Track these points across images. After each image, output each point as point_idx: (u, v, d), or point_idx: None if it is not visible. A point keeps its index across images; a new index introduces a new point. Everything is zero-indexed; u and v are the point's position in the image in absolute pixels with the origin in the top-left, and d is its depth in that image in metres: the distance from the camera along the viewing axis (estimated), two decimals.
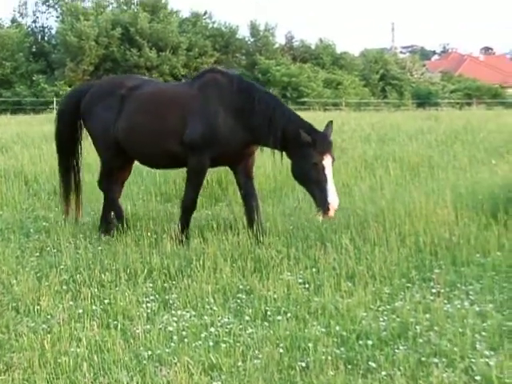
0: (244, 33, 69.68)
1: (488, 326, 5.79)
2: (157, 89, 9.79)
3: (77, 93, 10.50)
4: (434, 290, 6.69)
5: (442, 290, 6.68)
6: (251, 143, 9.05)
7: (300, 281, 7.13)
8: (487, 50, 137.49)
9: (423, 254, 7.79)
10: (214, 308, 6.50)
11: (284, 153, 8.83)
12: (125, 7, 63.02)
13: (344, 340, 5.72)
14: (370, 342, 5.58)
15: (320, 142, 8.44)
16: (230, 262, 7.70)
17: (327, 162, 8.44)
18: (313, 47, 70.18)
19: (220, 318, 6.26)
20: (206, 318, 6.24)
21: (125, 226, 9.27)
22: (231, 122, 8.85)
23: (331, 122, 8.80)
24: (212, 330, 5.96)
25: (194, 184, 9.18)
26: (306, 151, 8.43)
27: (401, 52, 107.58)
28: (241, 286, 7.12)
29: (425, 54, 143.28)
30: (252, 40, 68.30)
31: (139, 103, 9.43)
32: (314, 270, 7.44)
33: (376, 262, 7.49)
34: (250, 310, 6.45)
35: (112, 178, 9.84)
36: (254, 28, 68.28)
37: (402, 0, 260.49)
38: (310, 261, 7.75)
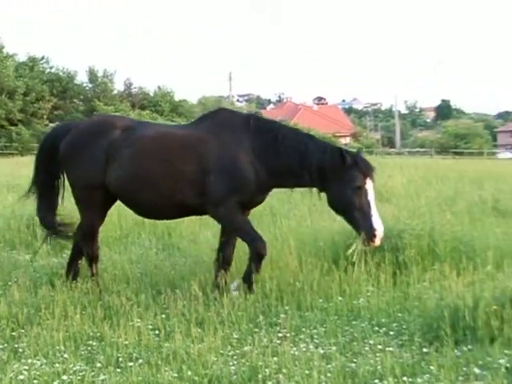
0: (82, 78, 69.22)
1: (332, 367, 6.01)
2: (160, 132, 8.79)
3: (53, 134, 9.30)
4: (280, 335, 6.88)
5: (288, 334, 6.89)
6: (277, 187, 8.65)
7: (150, 327, 7.18)
8: (320, 99, 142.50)
9: (269, 299, 7.99)
10: (66, 355, 6.46)
11: (319, 189, 8.42)
12: None
13: None
14: None
15: (363, 163, 8.15)
16: (79, 309, 7.65)
17: (370, 185, 8.16)
18: (151, 94, 70.60)
19: (72, 365, 6.23)
20: (57, 365, 6.21)
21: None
22: (254, 166, 8.23)
23: (362, 148, 8.42)
24: (64, 377, 5.94)
25: (241, 228, 8.36)
26: (347, 175, 8.07)
27: (238, 100, 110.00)
28: (91, 333, 7.12)
29: (261, 103, 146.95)
30: (90, 86, 68.01)
31: (140, 148, 8.47)
32: (163, 316, 7.51)
33: (224, 307, 7.65)
34: (102, 357, 6.47)
35: (94, 238, 8.85)
36: (92, 74, 68.09)
37: (240, 50, 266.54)
38: (159, 307, 7.83)
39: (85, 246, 8.77)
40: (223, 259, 8.56)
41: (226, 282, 8.29)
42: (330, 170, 8.15)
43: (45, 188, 9.10)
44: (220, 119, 8.57)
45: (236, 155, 8.22)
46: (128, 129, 8.61)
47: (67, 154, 8.72)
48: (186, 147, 8.37)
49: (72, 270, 8.83)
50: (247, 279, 8.22)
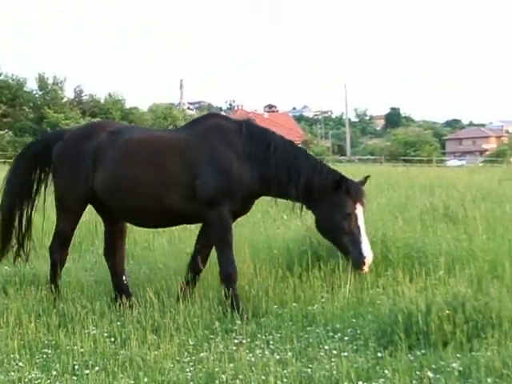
0: (32, 85, 68.45)
1: (288, 372, 6.06)
2: (148, 135, 8.71)
3: (47, 138, 9.31)
4: (236, 341, 6.93)
5: (244, 341, 6.94)
6: (267, 195, 8.46)
7: (106, 334, 7.17)
8: (271, 107, 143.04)
9: (225, 306, 7.99)
10: (21, 364, 6.44)
11: (305, 206, 8.28)
12: None
13: None
14: None
15: (354, 189, 7.95)
16: (34, 317, 7.62)
17: (360, 211, 8.00)
18: (102, 101, 70.16)
19: (27, 373, 6.20)
20: (12, 374, 6.19)
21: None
22: (245, 169, 8.09)
23: (369, 176, 8.35)
24: None
25: (224, 245, 8.17)
26: (336, 200, 7.91)
27: (189, 108, 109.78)
28: (46, 341, 7.11)
29: (212, 111, 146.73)
30: (40, 93, 67.27)
31: (126, 151, 8.29)
32: (119, 323, 7.51)
33: (180, 314, 7.66)
34: (58, 365, 6.46)
35: (68, 244, 8.74)
36: (42, 81, 67.39)
37: (190, 57, 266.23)
38: (115, 315, 7.83)
39: (55, 251, 8.63)
40: (195, 270, 8.51)
41: (183, 290, 8.30)
42: (319, 191, 8.03)
43: (22, 190, 8.93)
44: (211, 123, 8.42)
45: (227, 159, 8.08)
46: (115, 132, 8.48)
47: (59, 159, 8.61)
48: (174, 151, 8.23)
49: (56, 279, 8.65)
50: (234, 305, 7.98)
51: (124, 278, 8.61)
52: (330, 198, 7.97)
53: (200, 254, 8.51)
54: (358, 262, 7.92)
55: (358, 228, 7.95)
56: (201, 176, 8.03)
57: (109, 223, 8.85)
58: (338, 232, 7.99)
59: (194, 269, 8.50)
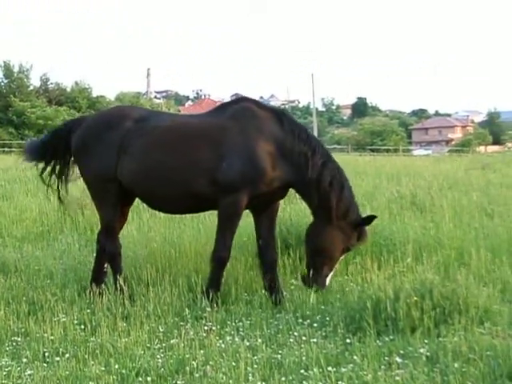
0: None
1: (259, 359, 6.13)
2: (175, 121, 8.47)
3: (67, 125, 8.93)
4: (206, 328, 6.96)
5: (214, 328, 6.99)
6: (291, 185, 8.16)
7: (76, 322, 7.19)
8: (238, 96, 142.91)
9: (195, 293, 8.04)
10: None
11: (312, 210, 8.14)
12: None
13: (124, 377, 5.88)
14: (149, 379, 5.78)
15: (365, 234, 8.12)
16: (3, 304, 7.62)
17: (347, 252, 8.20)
18: (69, 90, 69.57)
19: None
20: None
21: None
22: (272, 157, 7.89)
23: (375, 217, 8.20)
24: None
25: (228, 229, 8.00)
26: (348, 230, 7.96)
27: (155, 97, 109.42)
28: (16, 329, 7.10)
29: (179, 100, 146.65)
30: (6, 81, 66.54)
31: (154, 139, 8.14)
32: (89, 311, 7.52)
33: (150, 302, 7.69)
34: (28, 352, 6.44)
35: (114, 234, 8.44)
36: (7, 69, 66.64)
37: (157, 46, 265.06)
38: (84, 302, 7.83)
39: (106, 243, 8.41)
40: (268, 262, 8.26)
41: (276, 284, 8.16)
42: (343, 212, 7.96)
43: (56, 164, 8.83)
44: (243, 107, 8.19)
45: (256, 145, 7.87)
46: (141, 119, 8.30)
47: (79, 149, 8.45)
48: (202, 135, 8.06)
49: (97, 273, 8.49)
50: (212, 286, 7.96)
51: (105, 265, 8.51)
52: (346, 224, 7.96)
53: (269, 246, 8.29)
54: (315, 284, 7.90)
55: (337, 264, 8.08)
56: (227, 159, 7.86)
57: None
58: (327, 255, 7.96)
59: (269, 261, 8.25)
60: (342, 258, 8.16)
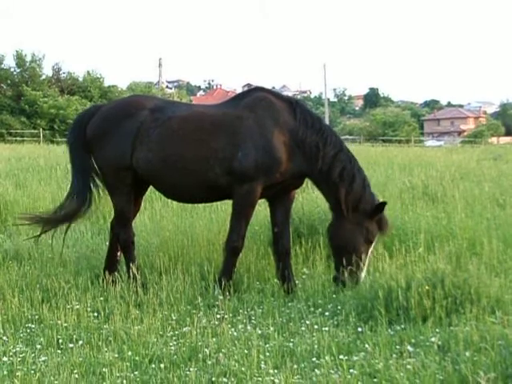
0: (9, 62, 67.72)
1: (271, 346, 6.17)
2: (191, 111, 8.44)
3: (82, 116, 8.91)
4: (218, 316, 7.00)
5: (226, 316, 7.03)
6: (306, 176, 8.18)
7: (89, 309, 7.25)
8: (250, 87, 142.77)
9: (207, 281, 8.08)
10: (5, 338, 6.50)
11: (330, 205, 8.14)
12: None
13: (137, 364, 5.94)
14: (162, 366, 5.83)
15: (385, 221, 8.09)
16: (17, 292, 7.68)
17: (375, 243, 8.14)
18: (81, 79, 69.59)
19: (12, 347, 6.26)
20: None
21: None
22: (287, 147, 7.92)
23: (385, 203, 8.19)
24: (5, 359, 5.98)
25: (242, 219, 8.01)
26: (367, 222, 7.95)
27: (167, 87, 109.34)
28: (30, 316, 7.17)
29: (190, 90, 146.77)
30: (18, 70, 66.62)
31: (170, 128, 8.12)
32: (102, 298, 7.58)
33: (163, 290, 7.74)
34: (42, 339, 6.52)
35: (127, 223, 8.46)
36: (20, 58, 66.68)
37: (169, 36, 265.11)
38: (98, 290, 7.89)
39: (120, 231, 8.43)
40: (281, 251, 8.25)
41: (288, 272, 8.16)
42: (358, 203, 7.95)
43: (79, 167, 8.73)
44: (260, 97, 8.20)
45: (272, 135, 7.91)
46: (157, 109, 8.30)
47: (94, 137, 8.44)
48: (219, 125, 8.07)
49: (111, 261, 8.56)
50: (225, 275, 8.00)
51: (118, 253, 8.57)
52: (362, 216, 7.95)
53: (283, 235, 8.26)
54: (349, 282, 7.77)
55: (367, 256, 8.00)
56: (242, 148, 7.88)
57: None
58: (350, 250, 7.90)
59: (282, 250, 8.23)
60: (370, 250, 8.07)
